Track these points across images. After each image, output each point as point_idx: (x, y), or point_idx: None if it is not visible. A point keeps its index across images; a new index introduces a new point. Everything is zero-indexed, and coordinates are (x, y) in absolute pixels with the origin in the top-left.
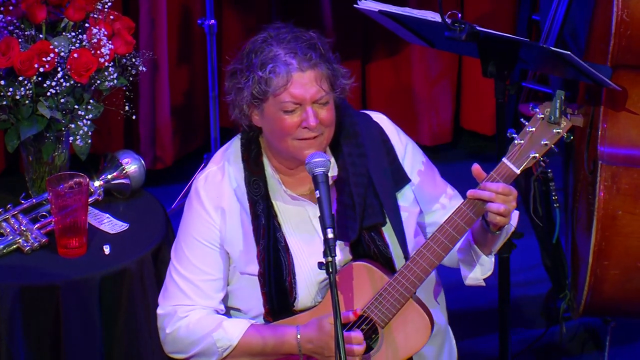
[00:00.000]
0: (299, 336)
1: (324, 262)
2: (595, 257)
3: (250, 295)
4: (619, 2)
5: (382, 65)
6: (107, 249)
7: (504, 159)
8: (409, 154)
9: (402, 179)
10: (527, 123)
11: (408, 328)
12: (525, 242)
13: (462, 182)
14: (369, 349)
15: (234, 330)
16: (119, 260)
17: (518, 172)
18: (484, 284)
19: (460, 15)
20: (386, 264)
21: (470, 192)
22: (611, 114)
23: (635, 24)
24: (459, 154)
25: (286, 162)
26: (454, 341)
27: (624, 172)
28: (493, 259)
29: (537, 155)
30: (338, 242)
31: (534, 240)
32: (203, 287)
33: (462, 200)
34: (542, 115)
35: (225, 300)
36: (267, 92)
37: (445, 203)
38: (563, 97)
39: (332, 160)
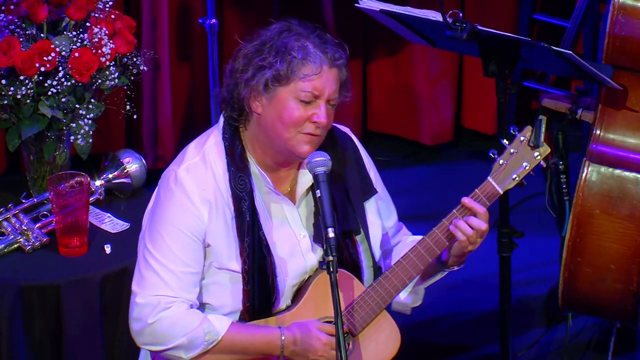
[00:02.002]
0: (283, 337)
1: (325, 262)
2: (569, 253)
3: (226, 292)
4: (615, 2)
5: (383, 65)
6: (108, 248)
7: (489, 178)
8: (372, 169)
9: (369, 190)
10: (508, 145)
11: (380, 338)
12: (527, 242)
13: (462, 180)
14: None
15: (218, 325)
16: (119, 260)
17: (501, 192)
18: (409, 312)
19: (461, 14)
20: (355, 272)
21: (464, 200)
22: (609, 114)
23: (631, 26)
24: (460, 153)
25: (274, 157)
26: None
27: (607, 173)
28: (424, 293)
29: (517, 177)
30: (314, 245)
31: (535, 239)
32: (184, 279)
33: (404, 229)
34: (525, 139)
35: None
36: (294, 75)
37: (396, 225)
38: (545, 124)
39: None
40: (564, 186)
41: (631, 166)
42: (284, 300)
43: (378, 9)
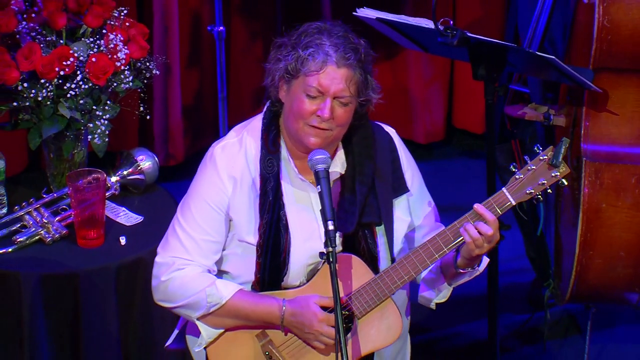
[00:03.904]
0: (284, 308)
1: (325, 252)
2: (581, 248)
3: (243, 262)
4: (600, 9)
5: (380, 69)
6: (123, 240)
7: (504, 189)
8: (411, 169)
9: (401, 188)
10: (530, 161)
11: (382, 324)
12: (513, 234)
13: (454, 177)
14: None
15: (224, 290)
16: (134, 251)
17: (514, 203)
18: (434, 308)
19: (452, 22)
20: (371, 262)
21: (476, 206)
22: (593, 114)
23: (616, 30)
24: (451, 151)
25: (297, 145)
26: (409, 345)
27: (606, 168)
28: (451, 290)
29: (533, 192)
30: None
31: (520, 232)
32: (203, 246)
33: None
34: (545, 157)
35: (218, 262)
36: (300, 71)
37: (431, 225)
38: (567, 145)
39: (341, 155)
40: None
41: (625, 158)
42: (298, 278)
43: (374, 17)
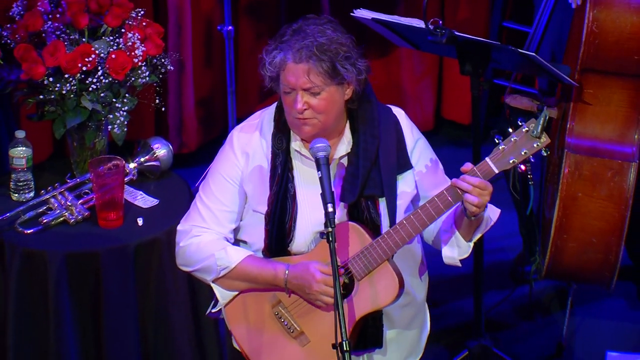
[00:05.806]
0: (287, 272)
1: (325, 232)
2: (556, 231)
3: (256, 231)
4: (589, 15)
5: (374, 65)
6: (140, 221)
7: (487, 159)
8: (418, 147)
9: (405, 164)
10: (513, 132)
11: (379, 285)
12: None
13: (443, 164)
14: (345, 295)
15: (234, 255)
16: (150, 231)
17: (496, 171)
18: (459, 264)
19: (441, 22)
20: (373, 231)
21: (453, 180)
22: (579, 110)
23: (603, 35)
24: (440, 140)
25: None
26: (427, 317)
27: (586, 161)
28: (471, 246)
29: (515, 160)
30: (339, 202)
31: (505, 213)
32: (218, 216)
33: None
34: (527, 129)
35: (236, 232)
36: (272, 72)
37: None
38: (548, 117)
39: (348, 135)
40: (529, 172)
41: (604, 153)
42: (305, 245)
43: (370, 18)
